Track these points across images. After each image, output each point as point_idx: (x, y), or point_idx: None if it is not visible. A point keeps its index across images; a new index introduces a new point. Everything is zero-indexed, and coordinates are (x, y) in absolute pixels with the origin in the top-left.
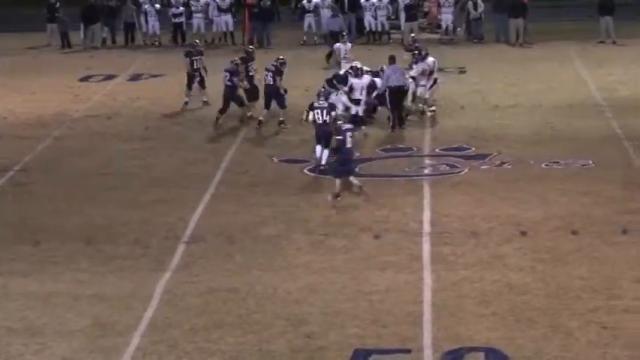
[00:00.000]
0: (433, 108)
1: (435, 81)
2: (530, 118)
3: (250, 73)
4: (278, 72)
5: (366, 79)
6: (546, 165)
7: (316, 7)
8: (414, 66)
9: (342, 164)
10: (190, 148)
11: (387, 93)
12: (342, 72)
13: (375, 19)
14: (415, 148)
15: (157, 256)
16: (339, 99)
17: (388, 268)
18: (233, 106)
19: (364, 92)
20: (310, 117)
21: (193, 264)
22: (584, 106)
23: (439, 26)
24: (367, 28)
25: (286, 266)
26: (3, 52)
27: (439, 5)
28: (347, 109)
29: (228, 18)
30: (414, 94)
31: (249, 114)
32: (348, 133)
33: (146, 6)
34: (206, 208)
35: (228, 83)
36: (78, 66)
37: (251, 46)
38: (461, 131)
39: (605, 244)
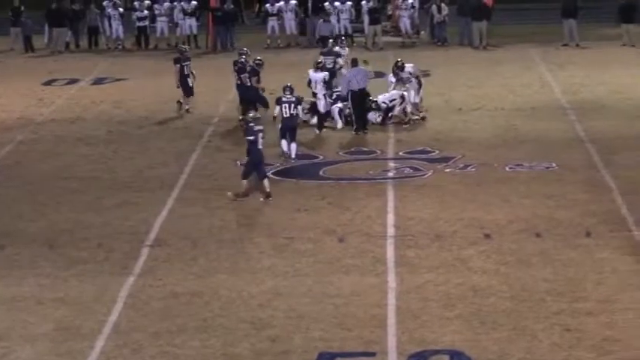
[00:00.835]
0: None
1: (420, 84)
2: (494, 121)
3: (185, 72)
4: (254, 72)
5: (322, 74)
6: (510, 168)
7: (279, 10)
8: (393, 84)
9: (254, 166)
10: (154, 151)
11: (349, 96)
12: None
13: (339, 22)
14: (379, 151)
15: (121, 260)
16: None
17: (352, 271)
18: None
19: (319, 86)
20: (277, 111)
21: (157, 268)
22: (547, 109)
23: (400, 29)
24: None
25: (250, 270)
26: None
27: (399, 8)
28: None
29: (192, 22)
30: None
31: (187, 107)
32: (260, 134)
33: (109, 10)
34: (170, 211)
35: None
36: (41, 70)
37: (184, 46)
38: (425, 134)
39: (568, 246)
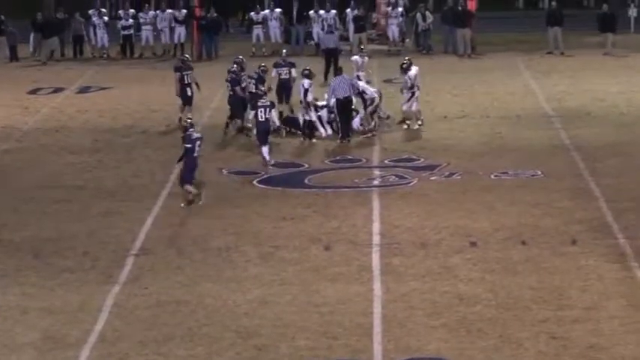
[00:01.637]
0: (408, 122)
1: (413, 94)
2: (479, 129)
3: (185, 82)
4: (260, 80)
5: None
6: (495, 176)
7: (264, 19)
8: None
9: (190, 172)
10: (139, 160)
11: (334, 104)
12: (361, 83)
13: (323, 30)
14: (364, 160)
15: (106, 269)
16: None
17: (338, 279)
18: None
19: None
20: (251, 115)
21: (143, 276)
22: (532, 117)
23: (388, 37)
24: (315, 40)
25: (236, 278)
26: None
27: (387, 16)
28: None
29: (182, 30)
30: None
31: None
32: (197, 142)
33: (95, 18)
34: (155, 220)
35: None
36: (26, 79)
37: (187, 55)
38: (410, 142)
39: (554, 254)
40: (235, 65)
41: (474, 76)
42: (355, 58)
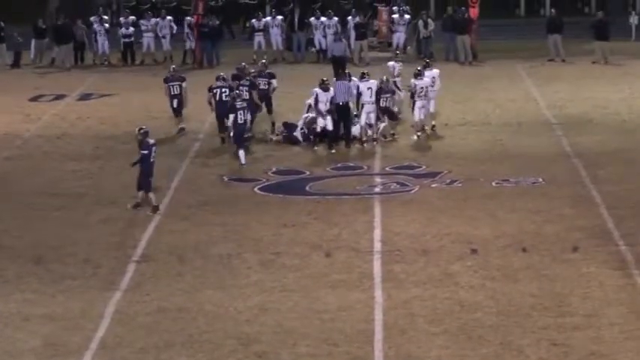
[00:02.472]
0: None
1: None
2: (480, 136)
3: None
4: (252, 86)
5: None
6: (497, 183)
7: (266, 26)
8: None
9: (145, 178)
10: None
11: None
12: (398, 93)
13: (325, 37)
14: (366, 167)
15: (108, 276)
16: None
17: (339, 286)
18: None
19: (366, 97)
20: (231, 119)
21: (144, 283)
22: (533, 124)
23: (389, 44)
24: (317, 47)
25: (237, 285)
26: None
27: (392, 23)
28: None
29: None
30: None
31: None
32: (154, 148)
33: (96, 25)
34: (156, 227)
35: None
36: (28, 86)
37: (173, 66)
38: (411, 149)
39: (555, 261)
40: (237, 71)
41: (475, 84)
42: (391, 63)
